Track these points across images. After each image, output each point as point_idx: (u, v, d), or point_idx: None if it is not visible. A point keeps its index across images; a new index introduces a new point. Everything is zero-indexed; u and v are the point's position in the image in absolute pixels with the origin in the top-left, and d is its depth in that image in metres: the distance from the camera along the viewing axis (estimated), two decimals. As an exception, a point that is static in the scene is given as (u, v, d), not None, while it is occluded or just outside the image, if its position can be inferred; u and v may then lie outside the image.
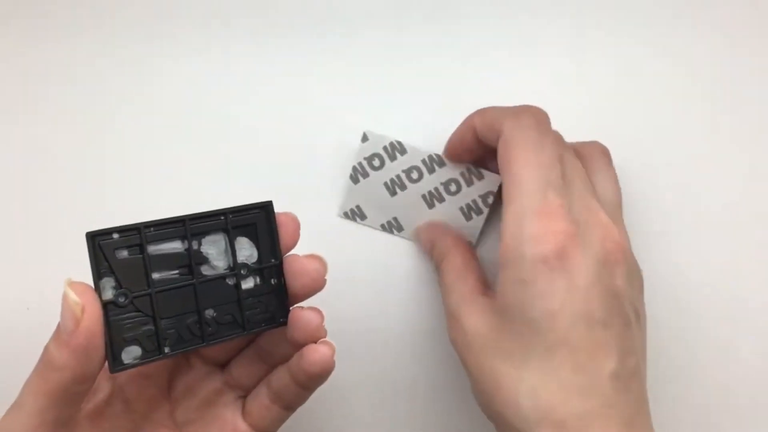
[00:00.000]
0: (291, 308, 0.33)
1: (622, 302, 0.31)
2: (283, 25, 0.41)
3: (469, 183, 0.39)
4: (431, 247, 0.39)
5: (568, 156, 0.34)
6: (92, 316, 0.27)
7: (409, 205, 0.40)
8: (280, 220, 0.32)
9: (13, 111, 0.41)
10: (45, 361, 0.28)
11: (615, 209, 0.35)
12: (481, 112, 0.36)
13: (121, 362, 0.29)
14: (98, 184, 0.41)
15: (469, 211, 0.40)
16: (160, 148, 0.41)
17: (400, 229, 0.41)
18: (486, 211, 0.40)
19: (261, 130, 0.41)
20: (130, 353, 0.29)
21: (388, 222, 0.41)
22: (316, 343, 0.31)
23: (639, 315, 0.33)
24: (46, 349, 0.28)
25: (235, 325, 0.32)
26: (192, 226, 0.31)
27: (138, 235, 0.29)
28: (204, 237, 0.31)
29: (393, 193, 0.40)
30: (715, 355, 0.40)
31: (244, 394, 0.35)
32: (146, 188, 0.41)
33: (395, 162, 0.40)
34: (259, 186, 0.41)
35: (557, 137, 0.34)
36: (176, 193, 0.41)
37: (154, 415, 0.34)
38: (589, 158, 0.36)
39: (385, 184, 0.40)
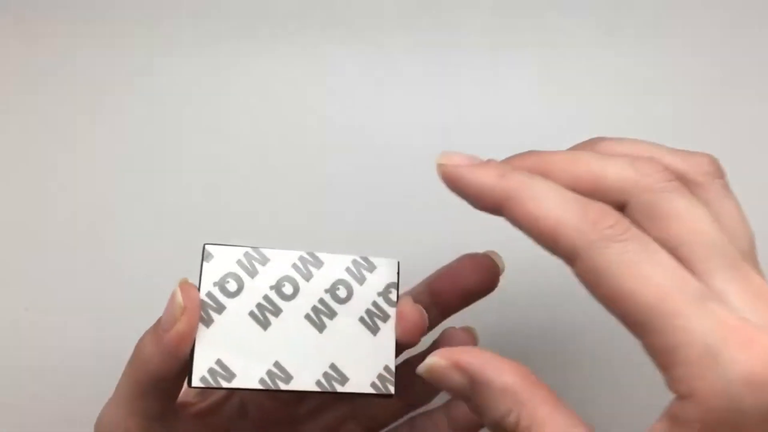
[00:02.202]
0: None
1: None
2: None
3: (361, 280, 0.29)
4: (482, 400, 0.24)
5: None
6: (189, 321, 0.26)
7: (292, 336, 0.27)
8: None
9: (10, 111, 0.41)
10: (136, 350, 0.28)
11: (753, 260, 0.24)
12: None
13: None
14: (99, 184, 0.41)
15: (372, 320, 0.29)
16: (161, 145, 0.41)
17: (288, 378, 0.27)
18: (393, 314, 0.29)
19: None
20: None
21: (269, 372, 0.27)
22: None
23: None
24: (141, 338, 0.28)
25: None
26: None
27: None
28: None
29: (265, 325, 0.27)
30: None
31: (373, 426, 0.33)
32: (143, 187, 0.41)
33: (257, 278, 0.28)
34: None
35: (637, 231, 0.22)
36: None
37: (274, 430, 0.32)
38: (698, 188, 0.25)
39: (252, 314, 0.27)
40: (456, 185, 0.24)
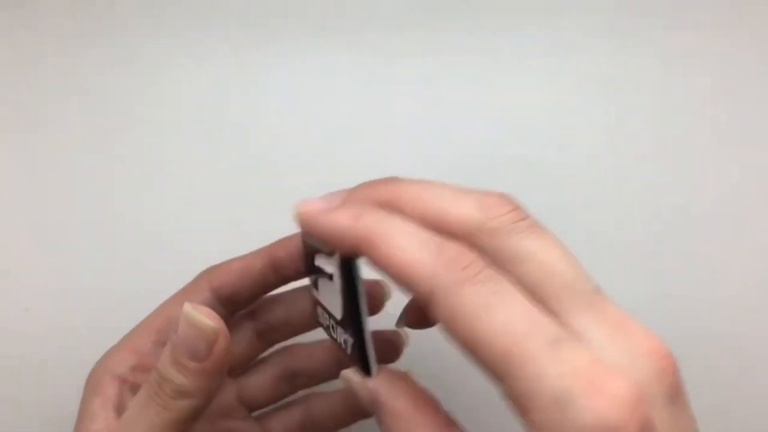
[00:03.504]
0: None
1: None
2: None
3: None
4: None
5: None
6: (225, 340, 0.27)
7: None
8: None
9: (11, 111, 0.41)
10: (170, 391, 0.26)
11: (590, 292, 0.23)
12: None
13: None
14: (100, 185, 0.41)
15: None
16: (160, 146, 0.41)
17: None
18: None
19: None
20: None
21: None
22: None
23: None
24: (167, 378, 0.27)
25: None
26: None
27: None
28: None
29: None
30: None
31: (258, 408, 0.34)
32: (149, 191, 0.41)
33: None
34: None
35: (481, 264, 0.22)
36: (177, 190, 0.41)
37: None
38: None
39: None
40: (315, 232, 0.24)
